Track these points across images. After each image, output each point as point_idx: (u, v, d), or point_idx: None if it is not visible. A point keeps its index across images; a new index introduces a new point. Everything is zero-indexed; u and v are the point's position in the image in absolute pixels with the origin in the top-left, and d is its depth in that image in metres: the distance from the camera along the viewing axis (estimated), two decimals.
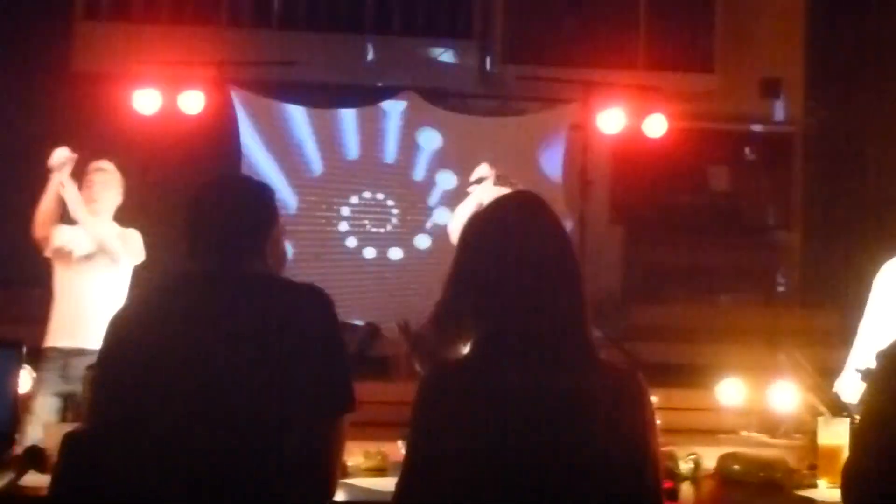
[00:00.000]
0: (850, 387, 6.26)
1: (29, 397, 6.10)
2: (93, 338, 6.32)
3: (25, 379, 7.08)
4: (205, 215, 2.87)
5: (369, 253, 11.02)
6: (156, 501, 2.56)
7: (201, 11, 11.49)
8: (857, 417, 3.35)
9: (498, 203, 2.69)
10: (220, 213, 2.86)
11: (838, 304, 9.69)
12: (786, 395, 6.01)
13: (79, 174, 6.77)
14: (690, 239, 11.93)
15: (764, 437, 9.02)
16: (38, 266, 6.92)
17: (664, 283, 12.02)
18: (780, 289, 12.05)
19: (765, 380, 7.03)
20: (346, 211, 11.05)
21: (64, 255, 6.66)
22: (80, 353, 6.34)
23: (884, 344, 5.46)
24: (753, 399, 7.98)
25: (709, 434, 9.10)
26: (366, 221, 11.03)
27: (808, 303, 11.48)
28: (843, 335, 6.47)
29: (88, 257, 6.63)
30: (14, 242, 7.19)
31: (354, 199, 11.05)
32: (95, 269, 6.66)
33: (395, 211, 11.01)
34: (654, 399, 2.99)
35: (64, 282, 6.74)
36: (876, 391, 2.80)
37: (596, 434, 2.42)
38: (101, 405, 2.78)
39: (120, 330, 2.79)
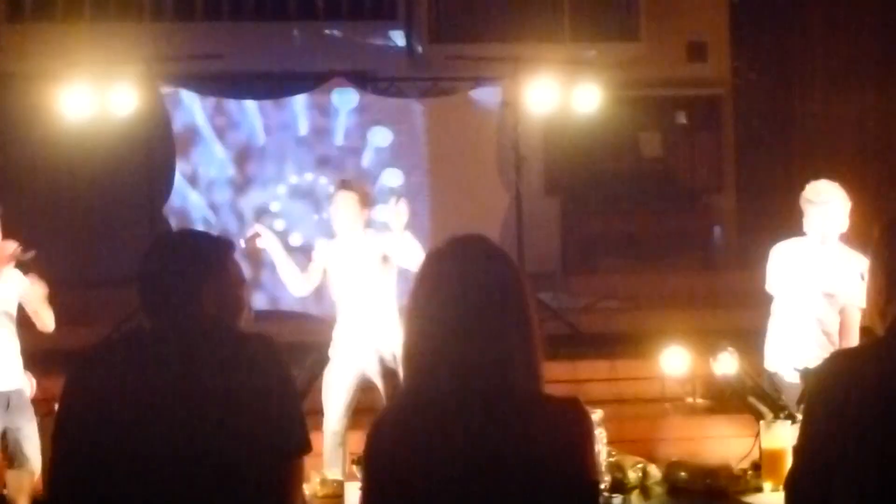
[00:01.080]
0: (775, 356, 6.37)
1: None
2: None
3: None
4: (146, 275, 2.89)
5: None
6: None
7: (124, 7, 11.36)
8: (799, 417, 3.39)
9: (445, 244, 2.73)
10: (155, 272, 2.89)
11: None
12: (728, 364, 6.07)
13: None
14: (626, 207, 12.01)
15: (708, 404, 9.16)
16: None
17: (602, 253, 12.09)
18: (717, 251, 12.13)
19: (707, 344, 7.10)
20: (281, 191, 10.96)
21: None
22: None
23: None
24: (697, 366, 8.06)
25: (654, 402, 9.24)
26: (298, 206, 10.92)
27: (745, 263, 11.56)
28: None
29: None
30: None
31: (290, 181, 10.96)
32: None
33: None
34: (596, 415, 3.04)
35: None
36: (806, 415, 2.83)
37: (545, 464, 2.48)
38: (57, 473, 2.77)
39: (76, 385, 2.80)
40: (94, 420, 2.70)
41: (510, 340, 2.54)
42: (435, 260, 2.69)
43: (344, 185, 7.18)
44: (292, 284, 6.99)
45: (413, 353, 2.60)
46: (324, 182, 10.76)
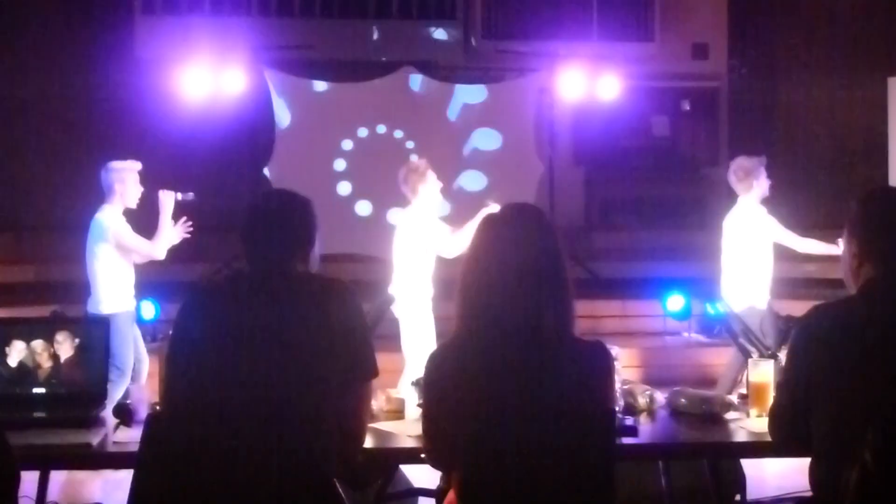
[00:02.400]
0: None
1: None
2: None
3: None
4: (257, 227, 2.87)
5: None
6: (227, 466, 2.57)
7: (236, 5, 11.33)
8: (781, 357, 3.36)
9: (499, 212, 2.73)
10: (269, 226, 2.86)
11: None
12: (717, 305, 6.04)
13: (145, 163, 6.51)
14: (639, 176, 11.94)
15: (701, 338, 9.13)
16: None
17: (618, 213, 12.05)
18: (712, 213, 12.04)
19: (701, 290, 7.08)
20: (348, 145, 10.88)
21: None
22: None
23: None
24: (694, 307, 8.01)
25: (657, 336, 9.22)
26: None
27: None
28: None
29: None
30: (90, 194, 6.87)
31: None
32: None
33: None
34: (615, 351, 3.03)
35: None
36: (791, 357, 2.83)
37: (569, 394, 2.54)
38: (172, 387, 2.79)
39: (186, 318, 2.80)
40: (201, 344, 2.71)
41: (546, 295, 2.55)
42: (492, 223, 2.69)
43: (429, 165, 6.57)
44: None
45: (467, 299, 2.61)
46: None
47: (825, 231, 6.46)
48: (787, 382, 2.81)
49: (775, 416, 2.91)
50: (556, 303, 2.58)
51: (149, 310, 6.55)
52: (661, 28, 11.58)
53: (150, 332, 7.09)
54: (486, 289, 2.58)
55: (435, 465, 2.86)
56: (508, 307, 2.55)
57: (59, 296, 8.61)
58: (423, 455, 2.86)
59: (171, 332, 2.81)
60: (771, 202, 6.70)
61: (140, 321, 6.35)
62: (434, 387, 2.61)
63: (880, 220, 2.75)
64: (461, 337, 2.63)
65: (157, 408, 3.19)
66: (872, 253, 2.73)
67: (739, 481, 4.29)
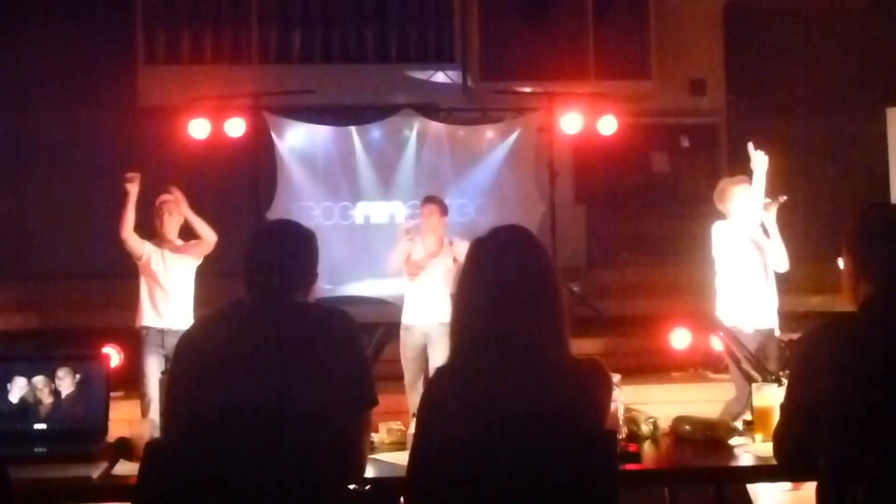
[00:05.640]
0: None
1: None
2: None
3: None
4: (258, 257, 2.88)
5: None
6: (226, 495, 2.57)
7: (237, 52, 11.44)
8: (784, 380, 3.33)
9: (489, 234, 2.70)
10: (273, 257, 2.86)
11: None
12: (722, 342, 6.01)
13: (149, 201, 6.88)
14: (639, 213, 11.96)
15: (708, 373, 9.05)
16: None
17: (620, 250, 12.03)
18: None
19: (706, 324, 7.04)
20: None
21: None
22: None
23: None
24: (698, 341, 7.96)
25: (664, 372, 9.14)
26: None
27: None
28: None
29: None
30: (101, 242, 7.18)
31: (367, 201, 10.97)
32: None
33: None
34: (615, 377, 3.00)
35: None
36: (792, 377, 2.79)
37: (569, 413, 2.49)
38: (173, 417, 2.79)
39: (186, 349, 2.81)
40: (200, 374, 2.70)
41: (541, 315, 2.53)
42: (480, 247, 2.67)
43: (430, 199, 7.36)
44: (393, 265, 7.28)
45: (461, 323, 2.59)
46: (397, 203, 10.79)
47: (826, 264, 6.41)
48: (790, 403, 2.78)
49: (779, 439, 2.87)
50: (551, 322, 2.55)
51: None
52: (658, 65, 11.64)
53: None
54: (480, 312, 2.56)
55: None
56: (502, 329, 2.52)
57: (63, 343, 8.59)
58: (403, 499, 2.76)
59: (171, 362, 2.80)
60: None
61: None
62: (430, 412, 2.57)
63: (877, 236, 2.74)
64: (457, 361, 2.60)
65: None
66: (870, 270, 2.72)
67: None
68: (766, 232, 6.49)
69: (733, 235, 6.45)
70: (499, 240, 2.68)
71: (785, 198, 6.47)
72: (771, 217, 6.43)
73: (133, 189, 6.79)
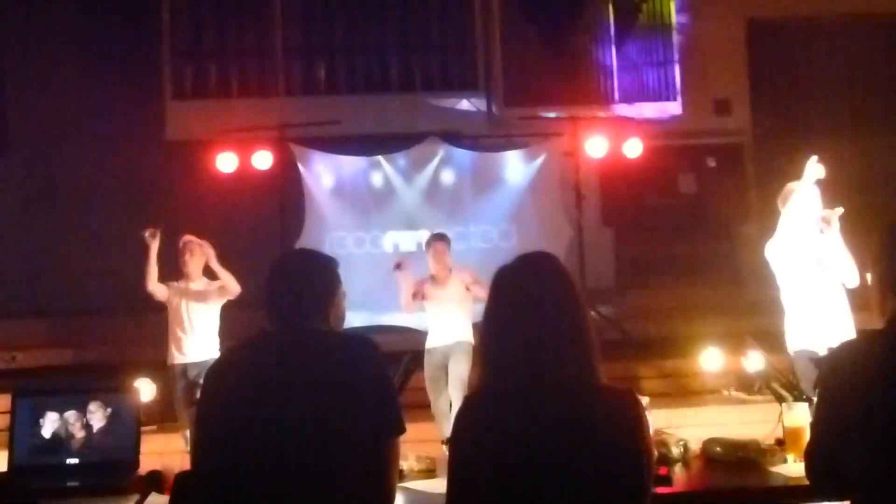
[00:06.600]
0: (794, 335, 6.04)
1: None
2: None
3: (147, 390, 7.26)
4: (280, 286, 2.88)
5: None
6: None
7: (262, 85, 11.53)
8: (814, 399, 3.29)
9: (516, 261, 2.69)
10: (292, 285, 2.88)
11: None
12: (757, 361, 5.92)
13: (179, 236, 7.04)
14: (668, 234, 11.91)
15: (742, 395, 8.95)
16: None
17: (649, 272, 11.97)
18: (742, 270, 11.96)
19: (737, 345, 6.93)
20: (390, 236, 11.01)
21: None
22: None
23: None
24: (730, 363, 7.84)
25: (696, 395, 9.06)
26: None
27: (764, 279, 11.39)
28: None
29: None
30: (133, 277, 7.27)
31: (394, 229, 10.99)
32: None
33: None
34: (644, 400, 2.97)
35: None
36: (820, 394, 2.75)
37: (597, 448, 2.45)
38: (201, 447, 2.78)
39: (213, 380, 2.81)
40: (228, 404, 2.70)
41: (571, 342, 2.51)
42: (506, 274, 2.66)
43: (438, 236, 7.73)
44: (406, 306, 7.59)
45: (489, 351, 2.57)
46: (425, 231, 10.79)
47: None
48: (818, 422, 2.75)
49: (810, 458, 2.83)
50: (581, 349, 2.54)
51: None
52: (683, 86, 11.64)
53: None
54: (509, 340, 2.56)
55: None
56: (532, 356, 2.51)
57: (97, 377, 8.66)
58: None
59: (199, 394, 2.82)
60: None
61: None
62: (458, 444, 2.55)
63: None
64: (488, 388, 2.59)
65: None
66: (895, 285, 2.70)
67: None
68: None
69: (788, 245, 6.24)
70: (526, 267, 2.67)
71: (841, 210, 6.25)
72: (834, 231, 6.15)
73: (154, 243, 6.96)
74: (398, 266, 7.52)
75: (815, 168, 6.19)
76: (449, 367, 7.38)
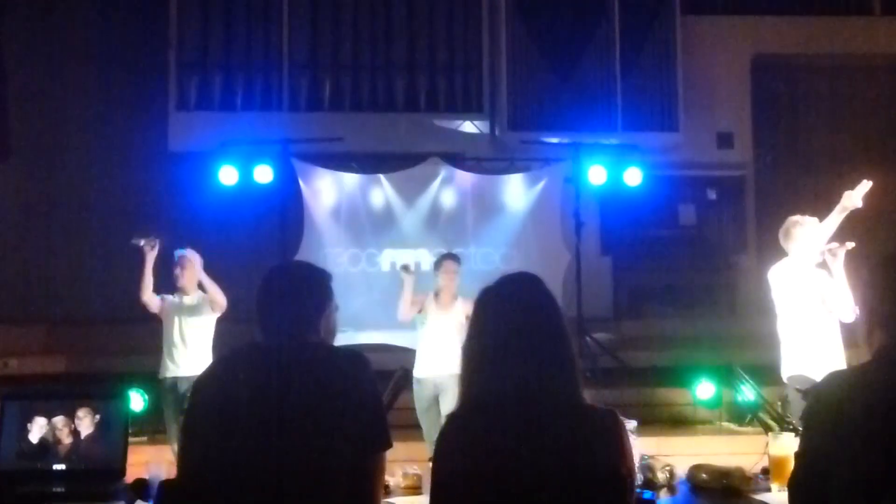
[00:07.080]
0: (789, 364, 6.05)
1: None
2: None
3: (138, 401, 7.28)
4: (272, 298, 2.87)
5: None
6: None
7: (267, 99, 11.58)
8: (800, 429, 3.30)
9: (497, 282, 2.71)
10: (283, 296, 2.86)
11: None
12: (748, 393, 5.93)
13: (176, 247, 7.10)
14: (667, 264, 11.92)
15: (733, 426, 8.96)
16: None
17: (647, 302, 11.98)
18: (738, 303, 11.97)
19: (731, 377, 6.91)
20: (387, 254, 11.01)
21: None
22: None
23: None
24: (723, 394, 7.84)
25: (688, 424, 9.07)
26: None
27: (763, 311, 11.41)
28: None
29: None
30: (129, 287, 7.30)
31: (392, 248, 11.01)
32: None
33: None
34: (631, 424, 2.98)
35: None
36: (804, 425, 2.76)
37: (578, 467, 2.46)
38: (187, 455, 2.76)
39: (201, 390, 2.80)
40: (215, 414, 2.69)
41: (551, 360, 2.52)
42: (488, 295, 2.68)
43: (450, 256, 7.53)
44: (404, 312, 7.34)
45: (470, 369, 2.59)
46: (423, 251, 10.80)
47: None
48: (802, 453, 2.77)
49: (793, 488, 2.85)
50: (561, 368, 2.56)
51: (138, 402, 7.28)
52: (686, 117, 11.69)
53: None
54: (488, 358, 2.58)
55: None
56: (512, 374, 2.53)
57: (90, 386, 8.66)
58: None
59: (187, 403, 2.82)
60: None
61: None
62: (441, 460, 2.56)
63: (889, 285, 2.74)
64: (467, 406, 2.61)
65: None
66: (882, 319, 2.71)
67: None
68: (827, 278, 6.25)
69: (792, 274, 6.21)
70: (506, 287, 2.69)
71: (852, 244, 6.23)
72: (838, 264, 6.07)
73: (151, 254, 6.98)
74: (405, 268, 7.41)
75: (859, 192, 6.23)
76: (441, 405, 7.10)
